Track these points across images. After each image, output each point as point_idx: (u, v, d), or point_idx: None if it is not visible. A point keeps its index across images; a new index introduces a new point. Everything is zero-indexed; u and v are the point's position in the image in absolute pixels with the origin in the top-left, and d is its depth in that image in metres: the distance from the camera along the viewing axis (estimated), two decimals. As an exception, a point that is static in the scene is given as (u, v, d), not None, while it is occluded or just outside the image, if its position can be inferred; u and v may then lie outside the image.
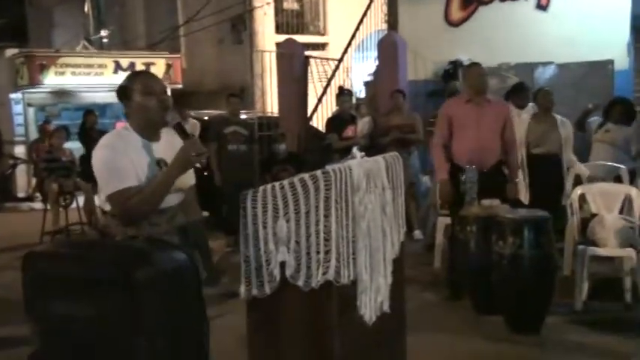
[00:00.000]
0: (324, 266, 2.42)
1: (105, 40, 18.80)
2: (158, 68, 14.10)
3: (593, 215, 4.94)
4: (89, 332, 1.63)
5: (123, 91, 2.74)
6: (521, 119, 6.10)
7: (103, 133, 9.72)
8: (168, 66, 14.21)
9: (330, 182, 2.41)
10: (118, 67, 13.93)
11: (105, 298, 1.65)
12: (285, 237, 2.47)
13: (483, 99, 5.03)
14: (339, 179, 2.43)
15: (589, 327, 4.42)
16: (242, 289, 2.54)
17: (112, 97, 15.65)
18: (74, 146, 9.05)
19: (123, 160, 2.60)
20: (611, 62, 7.29)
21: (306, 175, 2.46)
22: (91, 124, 9.21)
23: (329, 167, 2.47)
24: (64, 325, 1.66)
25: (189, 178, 2.82)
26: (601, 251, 4.64)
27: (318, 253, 2.43)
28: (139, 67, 13.96)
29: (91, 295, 1.66)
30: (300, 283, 2.46)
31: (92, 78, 13.79)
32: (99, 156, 2.65)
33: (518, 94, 6.63)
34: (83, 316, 1.64)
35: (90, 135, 9.12)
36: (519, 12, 7.85)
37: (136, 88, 2.72)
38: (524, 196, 5.81)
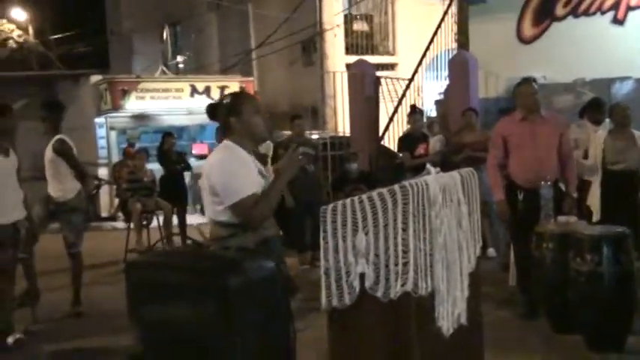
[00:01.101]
0: (402, 278, 2.50)
1: (181, 66, 19.54)
2: (232, 91, 14.51)
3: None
4: (186, 335, 1.77)
5: (231, 109, 3.02)
6: (597, 135, 5.99)
7: (180, 154, 10.13)
8: (242, 89, 14.59)
9: (408, 196, 2.50)
10: (194, 90, 14.41)
11: (201, 304, 1.79)
12: (364, 249, 2.57)
13: (537, 116, 5.00)
14: (416, 193, 2.52)
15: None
16: (323, 300, 2.65)
17: (188, 120, 16.17)
18: (153, 168, 9.44)
19: (243, 169, 2.90)
20: (690, 77, 7.11)
21: (384, 190, 2.55)
22: (169, 146, 9.57)
23: (406, 182, 2.56)
24: (163, 329, 1.80)
25: None
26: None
27: (396, 265, 2.52)
28: (214, 90, 14.41)
29: (188, 301, 1.80)
30: (379, 294, 2.55)
31: (170, 102, 14.32)
32: (222, 167, 2.91)
33: (594, 109, 6.53)
34: (181, 320, 1.78)
35: (169, 156, 9.50)
36: (594, 27, 7.73)
37: (245, 107, 3.02)
38: (596, 213, 5.70)
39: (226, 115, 3.02)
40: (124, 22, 21.97)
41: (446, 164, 7.52)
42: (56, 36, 22.55)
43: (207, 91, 14.43)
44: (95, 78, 14.76)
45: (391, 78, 10.36)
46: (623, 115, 5.81)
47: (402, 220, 2.50)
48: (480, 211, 6.87)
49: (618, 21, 7.67)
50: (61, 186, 5.69)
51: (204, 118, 14.24)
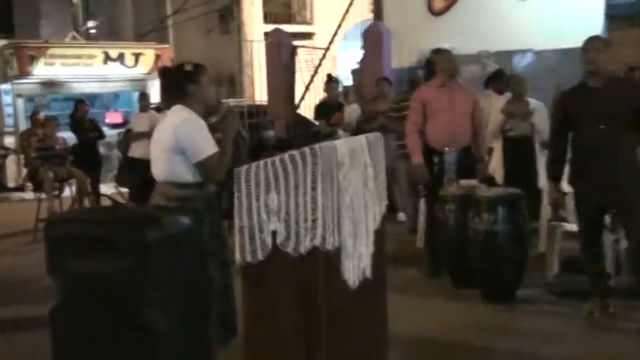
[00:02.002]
0: (311, 233, 2.68)
1: (93, 31, 18.90)
2: (147, 58, 14.23)
3: (565, 194, 5.21)
4: (105, 287, 1.86)
5: (191, 76, 3.29)
6: (498, 103, 6.37)
7: (94, 122, 9.92)
8: (157, 56, 14.33)
9: (317, 158, 2.67)
10: (107, 57, 14.02)
11: (119, 256, 1.89)
12: (276, 208, 2.72)
13: (455, 83, 5.28)
14: (325, 156, 2.69)
15: (558, 297, 4.72)
16: (237, 256, 2.80)
17: (100, 87, 15.79)
18: (65, 136, 9.22)
19: (206, 130, 3.22)
20: (585, 50, 7.58)
21: (295, 152, 2.72)
22: (82, 114, 9.37)
23: (316, 145, 2.73)
24: (83, 282, 1.89)
25: None
26: (570, 227, 4.92)
27: (305, 222, 2.69)
28: (129, 57, 14.08)
29: (106, 254, 1.90)
30: (290, 249, 2.72)
31: (81, 69, 13.89)
32: (189, 126, 3.19)
33: (497, 80, 6.92)
34: (100, 273, 1.88)
35: (82, 124, 9.30)
36: (499, 1, 8.11)
37: (203, 77, 3.31)
38: (499, 177, 6.09)
39: (187, 81, 3.28)
40: (30, -16, 20.96)
41: (360, 132, 7.76)
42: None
43: (120, 58, 14.08)
44: (0, 42, 14.13)
45: (308, 47, 10.49)
46: (520, 85, 6.21)
47: (312, 180, 2.67)
48: (390, 177, 7.20)
49: (521, -4, 8.09)
50: None
51: (118, 86, 14.12)
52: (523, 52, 7.76)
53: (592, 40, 4.06)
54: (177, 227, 1.96)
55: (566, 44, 7.62)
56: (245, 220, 2.77)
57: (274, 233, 2.73)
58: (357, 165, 2.99)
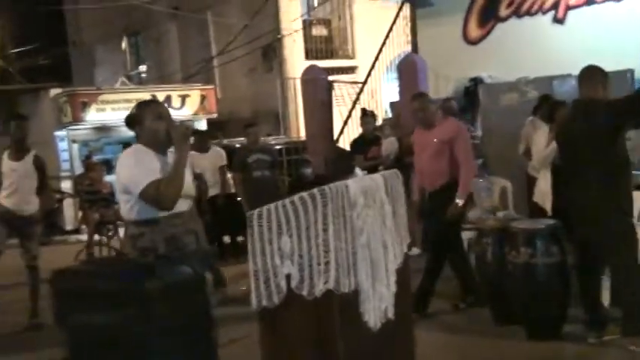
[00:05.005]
0: (324, 276, 2.63)
1: (143, 76, 19.49)
2: (193, 99, 14.55)
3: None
4: (109, 337, 1.87)
5: (134, 118, 3.25)
6: (541, 131, 6.15)
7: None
8: (203, 97, 14.63)
9: (327, 199, 2.63)
10: (155, 100, 14.41)
11: (120, 307, 1.90)
12: (289, 251, 2.69)
13: (432, 126, 5.26)
14: (335, 196, 2.65)
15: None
16: (253, 300, 2.77)
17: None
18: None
19: (145, 162, 3.12)
20: (630, 71, 7.27)
21: (305, 194, 2.69)
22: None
23: (326, 186, 2.69)
24: (87, 333, 1.90)
25: (191, 189, 3.38)
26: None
27: (319, 264, 2.64)
28: (175, 99, 14.42)
29: (108, 305, 1.90)
30: (305, 292, 2.67)
31: (131, 112, 14.32)
32: (125, 164, 3.14)
33: (542, 106, 6.71)
34: (103, 323, 1.88)
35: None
36: (536, 27, 7.95)
37: (146, 115, 3.23)
38: (549, 207, 5.85)
39: (132, 126, 3.27)
40: (85, 33, 21.84)
41: (399, 165, 7.67)
42: (16, 50, 22.30)
43: (168, 100, 14.40)
44: (55, 91, 14.70)
45: (344, 82, 10.54)
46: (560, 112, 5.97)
47: (322, 222, 2.63)
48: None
49: (558, 20, 7.91)
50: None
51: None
52: (563, 77, 7.53)
53: None
54: (176, 277, 1.96)
55: (609, 67, 7.38)
56: (259, 263, 2.75)
57: (288, 277, 2.70)
58: (373, 204, 2.93)
